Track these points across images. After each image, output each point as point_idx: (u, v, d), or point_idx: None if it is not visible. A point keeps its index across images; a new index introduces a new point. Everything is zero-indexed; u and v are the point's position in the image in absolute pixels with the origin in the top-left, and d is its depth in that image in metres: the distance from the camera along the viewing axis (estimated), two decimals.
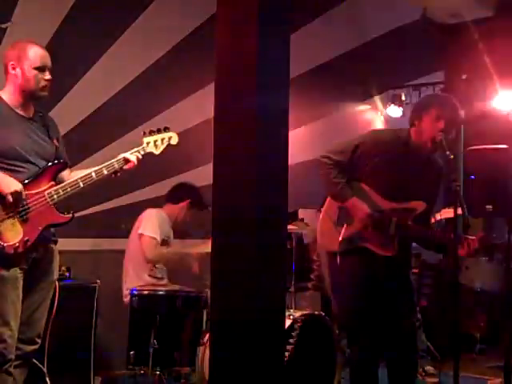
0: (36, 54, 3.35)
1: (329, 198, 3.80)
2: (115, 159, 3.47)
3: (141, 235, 4.75)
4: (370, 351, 3.65)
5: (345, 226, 3.65)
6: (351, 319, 3.72)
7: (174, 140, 3.73)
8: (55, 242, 3.46)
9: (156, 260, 4.78)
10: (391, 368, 3.72)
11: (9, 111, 3.32)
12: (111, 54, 5.03)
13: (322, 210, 3.84)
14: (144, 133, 3.67)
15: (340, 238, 3.62)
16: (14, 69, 3.33)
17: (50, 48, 4.02)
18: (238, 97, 2.62)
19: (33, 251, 3.27)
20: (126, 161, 3.49)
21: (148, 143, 3.64)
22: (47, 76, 3.36)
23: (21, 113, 3.35)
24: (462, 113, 3.60)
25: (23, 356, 3.34)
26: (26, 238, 3.19)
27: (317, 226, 3.90)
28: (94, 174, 3.39)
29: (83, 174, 3.39)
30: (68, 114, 4.66)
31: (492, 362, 5.72)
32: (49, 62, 3.38)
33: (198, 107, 5.17)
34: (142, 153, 3.59)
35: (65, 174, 3.48)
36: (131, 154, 3.53)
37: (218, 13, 2.68)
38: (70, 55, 4.69)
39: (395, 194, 3.62)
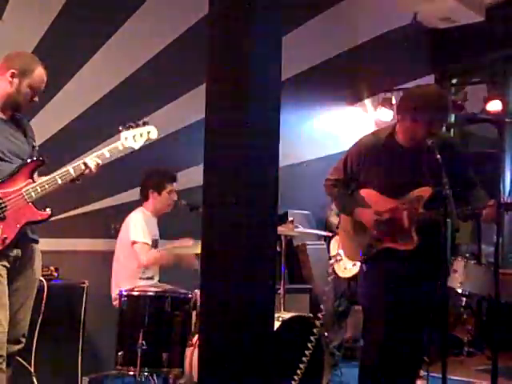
0: (39, 77, 3.37)
1: (341, 216, 3.93)
2: (89, 157, 3.42)
3: (133, 242, 4.72)
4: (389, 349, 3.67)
5: (361, 234, 3.71)
6: (379, 319, 3.69)
7: (153, 134, 3.64)
8: (37, 242, 3.43)
9: (151, 263, 4.77)
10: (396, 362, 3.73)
11: None
12: (101, 55, 5.02)
13: (339, 227, 3.99)
14: (121, 127, 3.59)
15: (360, 247, 3.69)
16: (12, 77, 3.31)
17: (39, 49, 4.01)
18: (229, 99, 2.62)
19: (13, 249, 3.24)
20: (85, 165, 3.40)
21: (126, 138, 3.56)
22: (36, 99, 3.40)
23: None
24: (451, 109, 3.57)
25: (7, 355, 3.32)
26: (4, 236, 3.17)
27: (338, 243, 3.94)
28: (71, 170, 3.36)
29: (61, 171, 3.36)
30: (54, 116, 4.66)
31: (480, 365, 5.75)
32: (43, 87, 3.41)
33: (189, 108, 5.17)
34: (121, 148, 3.53)
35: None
36: (108, 150, 3.48)
37: (211, 14, 2.68)
38: (61, 55, 4.67)
39: (398, 190, 3.64)
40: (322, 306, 4.42)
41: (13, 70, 3.31)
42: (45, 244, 3.57)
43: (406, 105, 3.64)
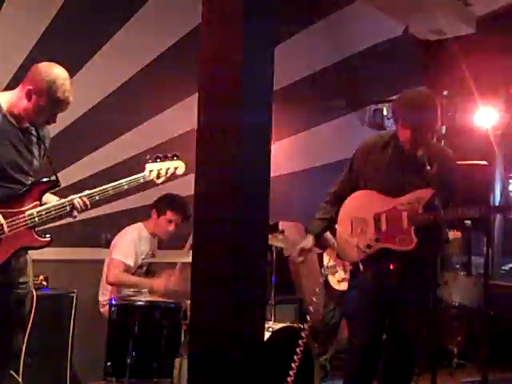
0: (60, 99, 3.06)
1: (339, 218, 3.89)
2: (109, 186, 3.23)
3: (113, 258, 4.69)
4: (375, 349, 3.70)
5: (359, 234, 3.71)
6: (367, 323, 3.70)
7: (181, 170, 3.37)
8: (26, 252, 3.26)
9: (114, 284, 4.71)
10: (385, 374, 3.73)
11: (1, 118, 3.07)
12: (98, 60, 5.01)
13: (337, 229, 3.96)
14: (149, 158, 3.35)
15: (357, 247, 3.68)
16: (27, 93, 3.04)
17: (36, 49, 3.95)
18: (221, 109, 2.62)
19: (2, 272, 3.05)
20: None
21: (151, 171, 3.31)
22: (53, 121, 3.15)
23: (13, 121, 3.10)
24: (437, 115, 3.56)
25: None
26: None
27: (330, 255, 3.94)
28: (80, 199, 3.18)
29: (69, 198, 3.15)
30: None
31: (469, 377, 5.74)
32: (65, 109, 3.13)
33: (182, 117, 5.16)
34: (142, 181, 3.30)
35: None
36: (127, 182, 3.25)
37: (203, 25, 2.69)
38: (57, 59, 4.66)
39: (398, 190, 3.65)
40: (307, 317, 4.40)
41: (30, 87, 3.05)
42: (34, 253, 3.54)
43: (394, 110, 3.72)
